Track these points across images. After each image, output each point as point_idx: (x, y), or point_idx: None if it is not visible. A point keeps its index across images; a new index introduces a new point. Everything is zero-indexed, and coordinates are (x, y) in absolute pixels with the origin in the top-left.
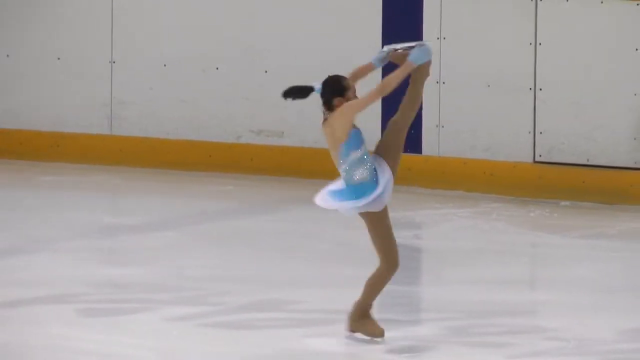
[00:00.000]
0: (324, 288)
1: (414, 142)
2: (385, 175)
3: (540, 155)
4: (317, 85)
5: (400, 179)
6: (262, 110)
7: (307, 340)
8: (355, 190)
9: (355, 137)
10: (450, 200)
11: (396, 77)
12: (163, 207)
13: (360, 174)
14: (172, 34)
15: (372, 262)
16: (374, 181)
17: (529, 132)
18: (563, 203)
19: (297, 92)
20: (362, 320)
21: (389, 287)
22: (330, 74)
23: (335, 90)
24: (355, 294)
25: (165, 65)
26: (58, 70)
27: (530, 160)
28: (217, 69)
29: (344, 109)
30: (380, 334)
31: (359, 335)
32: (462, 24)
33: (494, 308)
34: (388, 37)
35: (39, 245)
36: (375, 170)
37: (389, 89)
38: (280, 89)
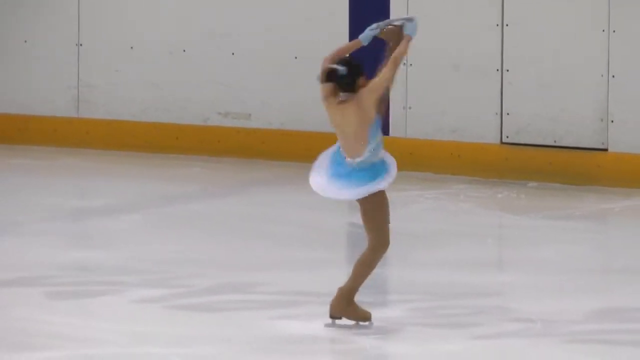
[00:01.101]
0: (290, 270)
1: (383, 124)
2: (388, 154)
3: (507, 137)
4: (340, 67)
5: None
6: (229, 93)
7: (274, 323)
8: (373, 172)
9: (378, 117)
10: (418, 181)
11: (404, 50)
12: (130, 190)
13: (383, 154)
14: (138, 17)
15: (337, 243)
16: (382, 160)
17: (496, 114)
18: (530, 184)
19: (333, 76)
20: (350, 305)
21: None
22: (343, 57)
23: (359, 71)
24: (321, 275)
25: (132, 48)
26: (25, 53)
27: (498, 141)
28: (184, 51)
29: (373, 87)
30: (369, 317)
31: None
32: (429, 5)
33: (461, 289)
34: (355, 19)
35: (6, 228)
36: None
37: (400, 62)
38: (247, 71)
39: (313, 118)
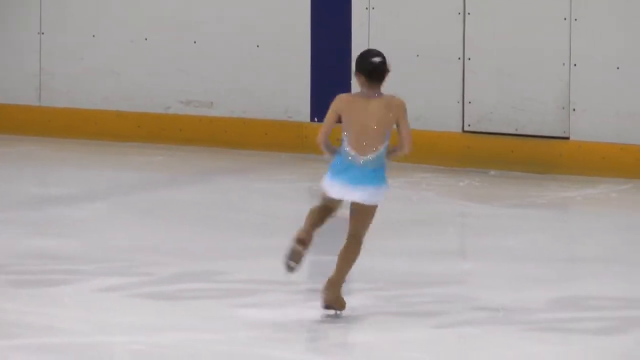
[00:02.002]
0: (252, 259)
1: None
2: None
3: (469, 125)
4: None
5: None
6: (191, 81)
7: (234, 310)
8: (378, 175)
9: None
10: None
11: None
12: (92, 178)
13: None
14: (100, 5)
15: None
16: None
17: (458, 102)
18: (492, 173)
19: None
20: (339, 296)
21: (318, 258)
22: (369, 49)
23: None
24: (279, 263)
25: (94, 36)
26: None
27: (459, 130)
28: (145, 39)
29: (404, 111)
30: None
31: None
32: None
33: (423, 278)
34: (317, 8)
35: None
36: None
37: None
38: (209, 60)
39: (275, 107)
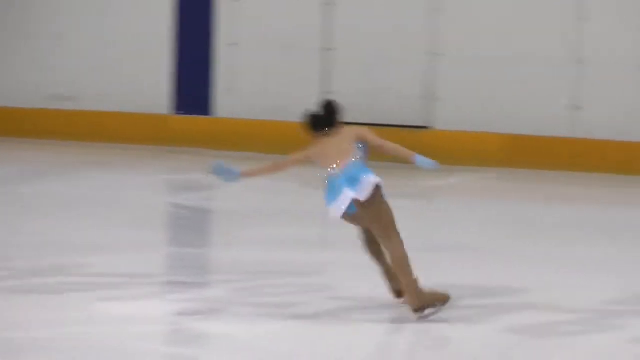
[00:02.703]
0: (118, 252)
1: (204, 105)
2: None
3: None
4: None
5: (190, 141)
6: (56, 76)
7: (104, 304)
8: (363, 170)
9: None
10: (242, 161)
11: (400, 153)
12: None
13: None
14: None
15: (162, 224)
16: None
17: (321, 93)
18: None
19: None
20: (421, 294)
21: (179, 251)
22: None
23: (335, 108)
24: (148, 257)
25: None
26: None
27: None
28: None
29: (363, 130)
30: (446, 297)
31: (163, 303)
32: None
33: (283, 268)
34: (181, 1)
35: None
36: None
37: (389, 153)
38: (74, 55)
39: (137, 100)
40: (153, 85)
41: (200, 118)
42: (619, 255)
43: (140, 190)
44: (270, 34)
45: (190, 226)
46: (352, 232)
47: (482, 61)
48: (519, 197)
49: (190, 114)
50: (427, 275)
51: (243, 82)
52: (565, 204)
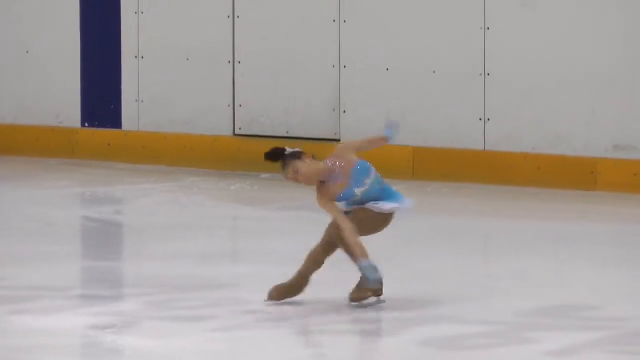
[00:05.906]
0: (26, 265)
1: (113, 117)
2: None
3: (240, 129)
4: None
5: (101, 155)
6: None
7: (8, 317)
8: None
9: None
10: (151, 175)
11: (377, 142)
12: None
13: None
14: None
15: (71, 237)
16: None
17: (229, 106)
18: (263, 175)
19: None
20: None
21: (91, 264)
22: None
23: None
24: (57, 269)
25: None
26: None
27: (230, 133)
28: None
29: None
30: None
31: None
32: None
33: (195, 282)
34: (86, 12)
35: None
36: None
37: (369, 148)
38: None
39: (45, 112)
40: (63, 98)
41: (109, 131)
42: (535, 268)
43: (51, 204)
44: (174, 46)
45: (102, 239)
46: (265, 245)
47: (389, 72)
48: (429, 209)
49: (99, 127)
50: (336, 288)
51: (150, 95)
52: (477, 216)
